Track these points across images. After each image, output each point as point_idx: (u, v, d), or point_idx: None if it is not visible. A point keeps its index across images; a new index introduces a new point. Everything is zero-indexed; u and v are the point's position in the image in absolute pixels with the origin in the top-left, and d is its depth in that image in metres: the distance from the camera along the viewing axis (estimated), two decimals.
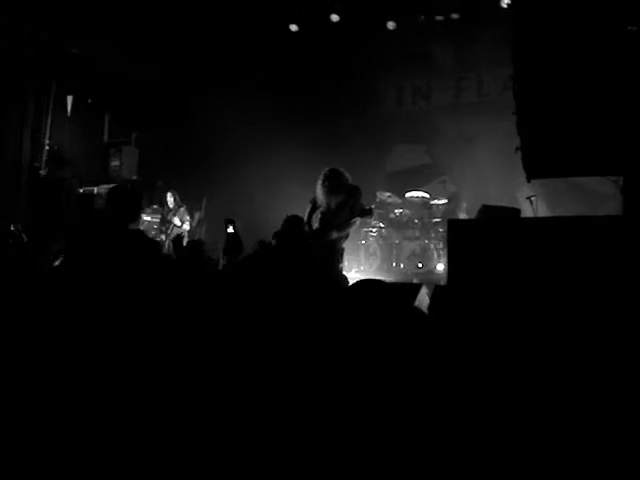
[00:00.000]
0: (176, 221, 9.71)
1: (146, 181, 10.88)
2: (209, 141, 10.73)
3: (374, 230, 9.04)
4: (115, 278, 3.11)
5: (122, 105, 10.58)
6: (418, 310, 2.89)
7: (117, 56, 9.92)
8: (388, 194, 9.25)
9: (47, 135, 9.36)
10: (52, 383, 2.50)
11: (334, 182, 5.68)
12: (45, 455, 2.25)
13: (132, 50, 9.95)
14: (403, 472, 2.02)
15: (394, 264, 8.80)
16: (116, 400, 2.41)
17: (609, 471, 2.03)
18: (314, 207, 5.94)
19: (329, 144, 9.75)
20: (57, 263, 3.49)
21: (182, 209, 9.80)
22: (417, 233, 8.91)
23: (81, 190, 9.48)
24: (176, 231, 9.35)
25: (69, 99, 9.80)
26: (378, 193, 9.21)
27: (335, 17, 10.11)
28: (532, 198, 6.93)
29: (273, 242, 4.18)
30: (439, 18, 9.87)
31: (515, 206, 4.59)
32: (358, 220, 5.97)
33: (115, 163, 10.48)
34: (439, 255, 8.40)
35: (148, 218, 10.10)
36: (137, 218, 4.02)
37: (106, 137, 10.89)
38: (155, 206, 10.45)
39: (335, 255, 5.78)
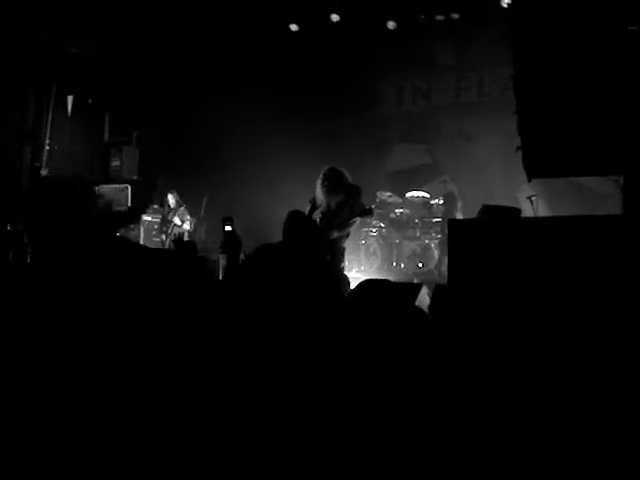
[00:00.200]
0: (176, 221, 9.71)
1: (147, 181, 10.90)
2: (209, 141, 10.73)
3: (374, 230, 9.05)
4: (115, 278, 3.11)
5: (122, 105, 10.58)
6: (419, 309, 2.89)
7: (117, 56, 9.92)
8: (388, 194, 9.26)
9: (47, 135, 9.37)
10: (52, 383, 2.50)
11: (334, 182, 5.67)
12: (45, 455, 2.25)
13: (132, 50, 9.96)
14: (403, 471, 2.02)
15: (394, 264, 8.81)
16: (114, 400, 2.41)
17: (609, 471, 2.03)
18: (314, 207, 5.93)
19: (329, 144, 9.76)
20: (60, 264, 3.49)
21: (182, 208, 9.81)
22: (417, 233, 8.92)
23: (81, 190, 9.47)
24: (176, 231, 9.37)
25: (69, 99, 9.82)
26: (378, 193, 9.22)
27: (335, 17, 10.10)
28: (532, 198, 6.93)
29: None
30: (440, 18, 9.87)
31: (515, 206, 4.59)
32: (358, 220, 5.96)
33: (116, 163, 10.50)
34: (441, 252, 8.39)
35: (149, 218, 10.11)
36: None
37: (106, 137, 10.91)
38: (155, 206, 10.47)
39: (336, 255, 5.78)
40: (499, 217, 3.81)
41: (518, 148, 3.52)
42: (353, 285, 3.26)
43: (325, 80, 10.68)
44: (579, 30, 3.33)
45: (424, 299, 3.31)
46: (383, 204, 9.20)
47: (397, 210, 9.17)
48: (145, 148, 10.98)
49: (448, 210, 8.59)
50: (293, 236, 4.12)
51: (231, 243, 4.40)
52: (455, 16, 9.76)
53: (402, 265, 8.76)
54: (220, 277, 5.35)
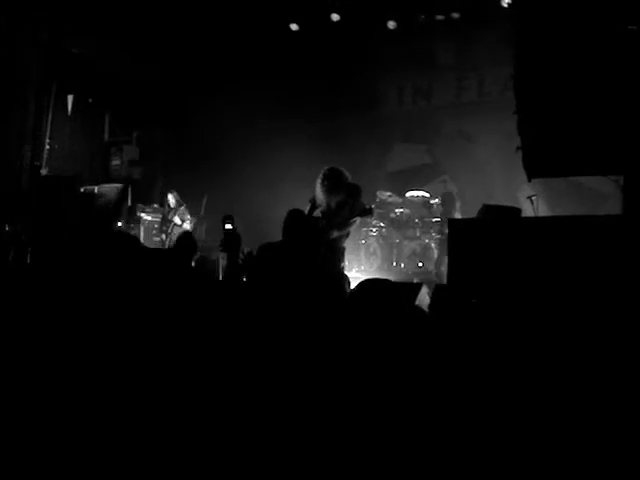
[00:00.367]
0: (177, 220, 9.71)
1: (147, 180, 10.90)
2: (209, 140, 10.74)
3: (374, 229, 9.04)
4: (114, 278, 3.11)
5: (122, 105, 10.59)
6: (419, 309, 2.89)
7: (117, 56, 9.93)
8: (388, 193, 9.25)
9: (48, 134, 9.37)
10: (52, 382, 2.50)
11: (333, 181, 5.67)
12: (45, 455, 2.25)
13: (132, 50, 9.96)
14: (404, 470, 2.02)
15: (394, 263, 8.80)
16: (115, 399, 2.41)
17: (609, 470, 2.03)
18: (314, 206, 5.93)
19: (329, 144, 9.76)
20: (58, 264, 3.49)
21: (182, 208, 9.81)
22: (417, 233, 8.91)
23: (82, 189, 9.48)
24: (177, 230, 9.36)
25: (69, 98, 9.81)
26: (378, 192, 9.21)
27: (335, 16, 10.10)
28: (532, 198, 6.92)
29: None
30: (440, 17, 9.86)
31: (516, 206, 4.59)
32: (358, 219, 5.96)
33: (116, 162, 10.50)
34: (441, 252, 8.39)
35: (149, 217, 10.11)
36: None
37: (106, 136, 10.91)
38: (156, 205, 10.47)
39: (336, 254, 5.78)
40: (499, 217, 3.81)
41: (518, 148, 3.53)
42: (353, 285, 3.26)
43: (325, 80, 10.67)
44: (579, 30, 3.33)
45: (424, 299, 3.31)
46: (383, 204, 9.20)
47: (397, 210, 9.17)
48: (145, 148, 10.97)
49: (446, 210, 8.58)
50: (293, 235, 4.12)
51: (231, 241, 4.40)
52: (455, 16, 9.75)
53: (402, 265, 8.76)
54: (220, 276, 5.36)
